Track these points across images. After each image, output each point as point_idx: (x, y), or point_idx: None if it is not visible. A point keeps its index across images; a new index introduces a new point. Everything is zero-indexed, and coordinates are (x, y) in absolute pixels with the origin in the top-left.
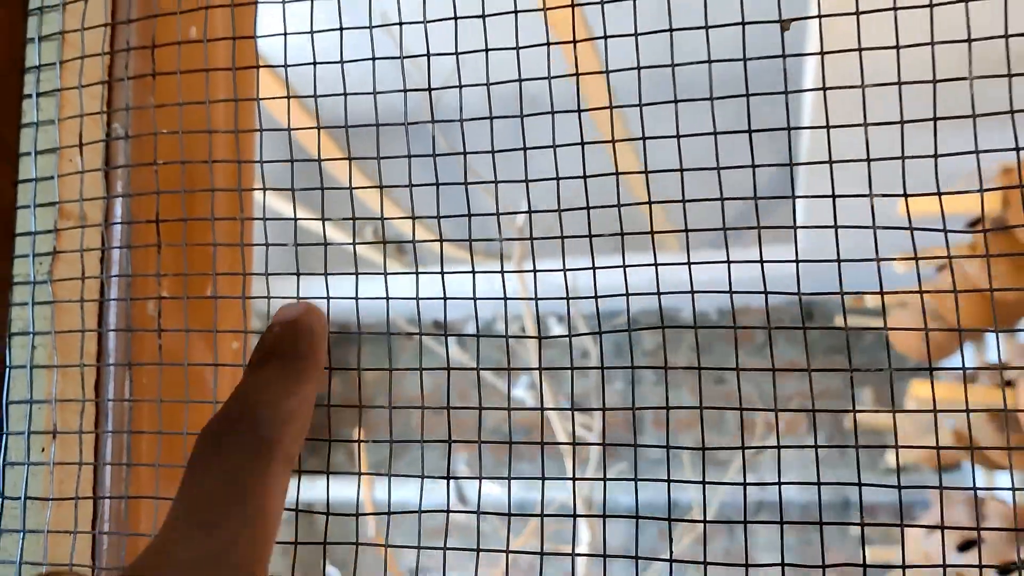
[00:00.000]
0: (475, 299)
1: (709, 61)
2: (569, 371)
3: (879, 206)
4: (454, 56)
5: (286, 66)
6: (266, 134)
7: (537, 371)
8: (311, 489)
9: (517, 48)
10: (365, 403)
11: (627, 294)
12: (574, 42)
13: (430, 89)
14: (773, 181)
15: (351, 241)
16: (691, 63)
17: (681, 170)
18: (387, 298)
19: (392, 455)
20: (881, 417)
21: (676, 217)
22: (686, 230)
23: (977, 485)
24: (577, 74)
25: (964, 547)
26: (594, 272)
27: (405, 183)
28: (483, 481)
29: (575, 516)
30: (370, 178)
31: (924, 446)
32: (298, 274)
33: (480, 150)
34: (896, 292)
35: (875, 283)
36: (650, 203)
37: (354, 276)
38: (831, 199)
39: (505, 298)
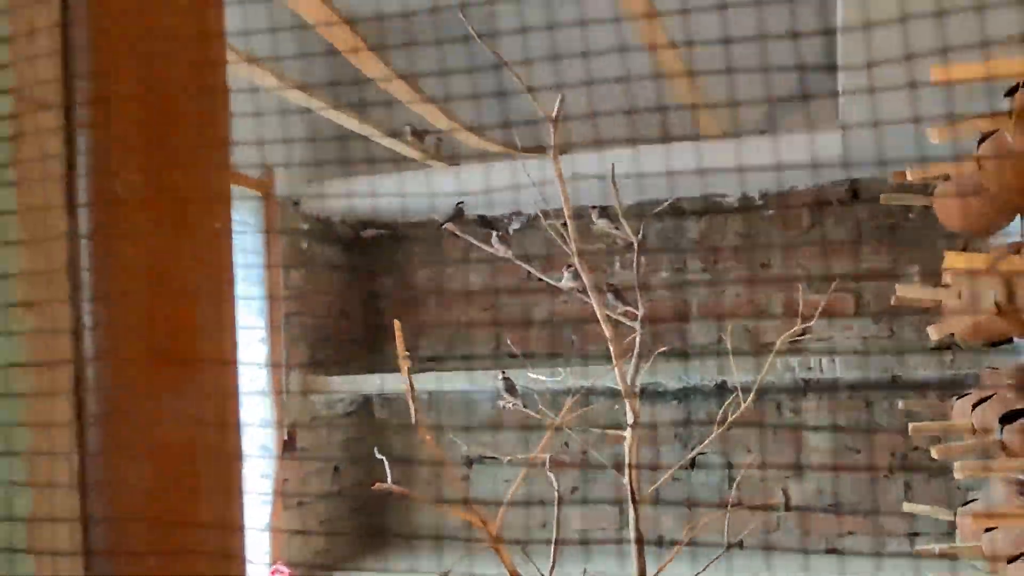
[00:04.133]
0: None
1: None
2: (612, 263)
3: (915, 77)
4: None
5: None
6: (283, 30)
7: (579, 263)
8: (365, 383)
9: None
10: (416, 301)
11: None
12: None
13: None
14: (815, 76)
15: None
16: None
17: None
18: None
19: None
20: (928, 293)
21: (718, 110)
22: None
23: None
24: None
25: (1006, 419)
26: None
27: (436, 75)
28: (531, 371)
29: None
30: (395, 72)
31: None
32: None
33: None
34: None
35: (918, 160)
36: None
37: (392, 175)
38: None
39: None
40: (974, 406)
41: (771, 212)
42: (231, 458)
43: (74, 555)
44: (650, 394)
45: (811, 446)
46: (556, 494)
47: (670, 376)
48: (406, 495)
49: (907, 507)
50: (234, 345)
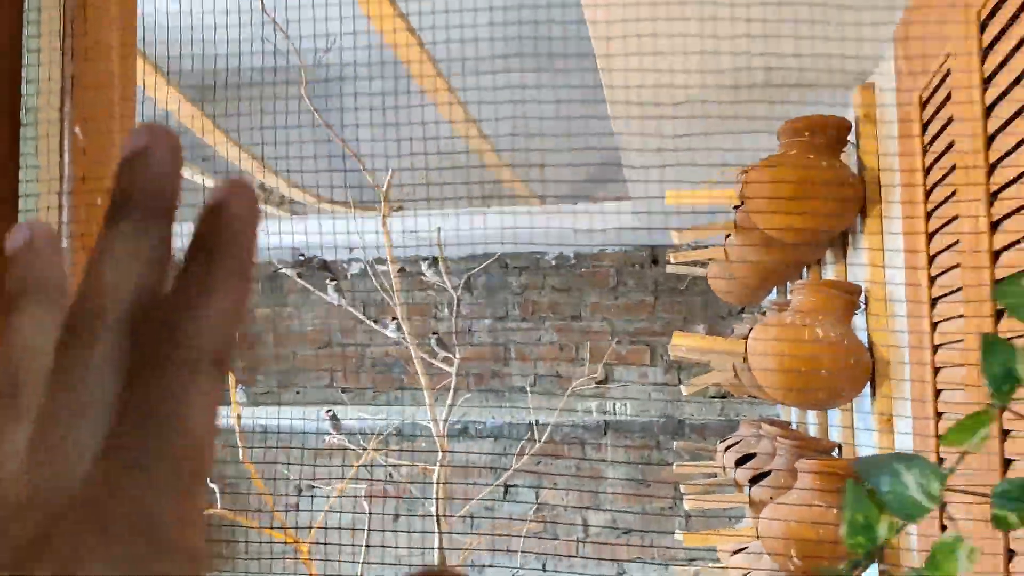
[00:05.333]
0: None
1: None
2: (436, 313)
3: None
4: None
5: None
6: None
7: (404, 313)
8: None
9: None
10: (252, 341)
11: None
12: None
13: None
14: (607, 154)
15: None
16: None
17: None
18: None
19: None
20: (693, 353)
21: (530, 175)
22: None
23: (760, 414)
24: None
25: (741, 461)
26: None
27: (277, 144)
28: (356, 409)
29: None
30: (235, 140)
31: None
32: None
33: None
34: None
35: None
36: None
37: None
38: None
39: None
40: (726, 449)
41: (583, 270)
42: None
43: None
44: (469, 431)
45: (608, 480)
46: (366, 519)
47: (487, 415)
48: (233, 519)
49: (680, 535)
50: None
